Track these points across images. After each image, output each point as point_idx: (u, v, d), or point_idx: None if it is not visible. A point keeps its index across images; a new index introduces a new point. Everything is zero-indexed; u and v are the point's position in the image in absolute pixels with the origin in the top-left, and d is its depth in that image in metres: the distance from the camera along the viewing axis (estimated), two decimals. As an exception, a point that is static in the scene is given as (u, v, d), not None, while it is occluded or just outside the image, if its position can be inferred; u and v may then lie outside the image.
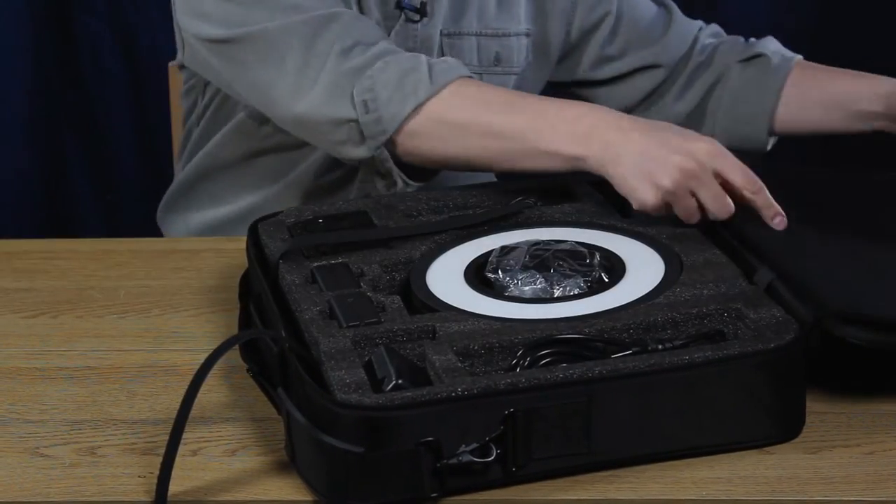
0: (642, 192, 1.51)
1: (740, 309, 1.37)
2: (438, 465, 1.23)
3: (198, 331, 1.56)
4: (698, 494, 1.24)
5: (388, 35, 1.80)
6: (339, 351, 1.32)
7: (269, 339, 1.37)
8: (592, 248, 1.49)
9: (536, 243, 1.50)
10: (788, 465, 1.28)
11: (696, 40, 1.98)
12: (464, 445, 1.24)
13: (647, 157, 1.51)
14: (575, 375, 1.26)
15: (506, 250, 1.49)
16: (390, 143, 1.67)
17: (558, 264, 1.47)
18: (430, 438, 1.22)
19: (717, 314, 1.37)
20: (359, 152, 1.69)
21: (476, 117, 1.64)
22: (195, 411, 1.36)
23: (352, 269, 1.49)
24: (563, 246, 1.49)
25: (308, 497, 1.26)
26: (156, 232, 1.97)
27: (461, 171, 1.77)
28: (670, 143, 1.51)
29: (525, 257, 1.47)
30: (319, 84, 1.67)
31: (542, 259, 1.47)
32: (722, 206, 1.50)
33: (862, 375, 1.41)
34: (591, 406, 1.26)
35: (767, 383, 1.31)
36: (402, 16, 1.82)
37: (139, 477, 1.27)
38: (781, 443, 1.32)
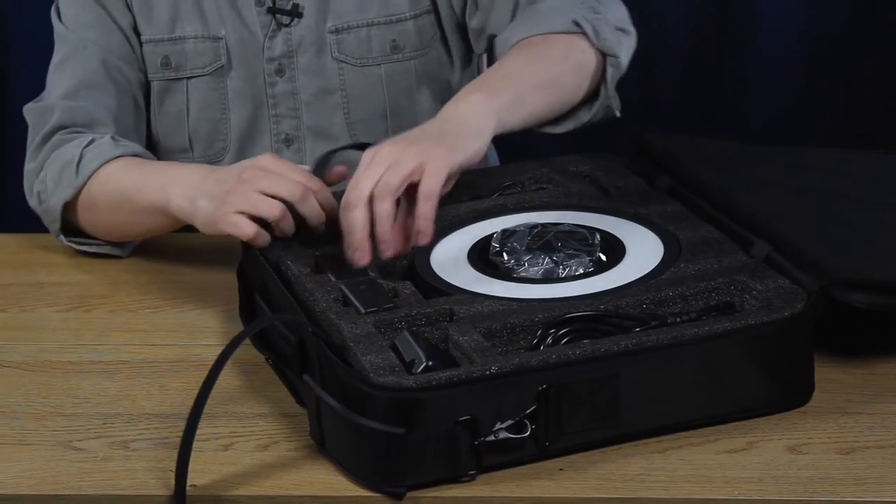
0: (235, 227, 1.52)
1: (746, 281, 1.41)
2: (476, 442, 1.26)
3: (230, 326, 1.57)
4: (730, 494, 1.26)
5: (265, 42, 1.83)
6: (364, 336, 1.34)
7: (288, 327, 1.38)
8: (592, 229, 1.52)
9: (535, 226, 1.53)
10: (821, 466, 1.29)
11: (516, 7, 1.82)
12: (499, 423, 1.26)
13: (215, 199, 1.55)
14: (603, 350, 1.29)
15: (507, 233, 1.52)
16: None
17: (561, 245, 1.50)
18: (467, 417, 1.25)
19: (724, 287, 1.41)
20: (55, 237, 1.76)
21: (110, 192, 1.68)
22: (226, 406, 1.38)
23: (355, 258, 1.50)
24: (563, 227, 1.52)
25: (339, 490, 1.28)
26: (189, 227, 1.97)
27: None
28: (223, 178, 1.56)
29: (528, 239, 1.50)
30: (25, 173, 1.78)
31: (545, 240, 1.50)
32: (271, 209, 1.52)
33: (866, 339, 1.46)
34: (618, 379, 1.29)
35: (781, 350, 1.35)
36: (273, 20, 1.83)
37: (171, 471, 1.27)
38: (794, 409, 1.36)
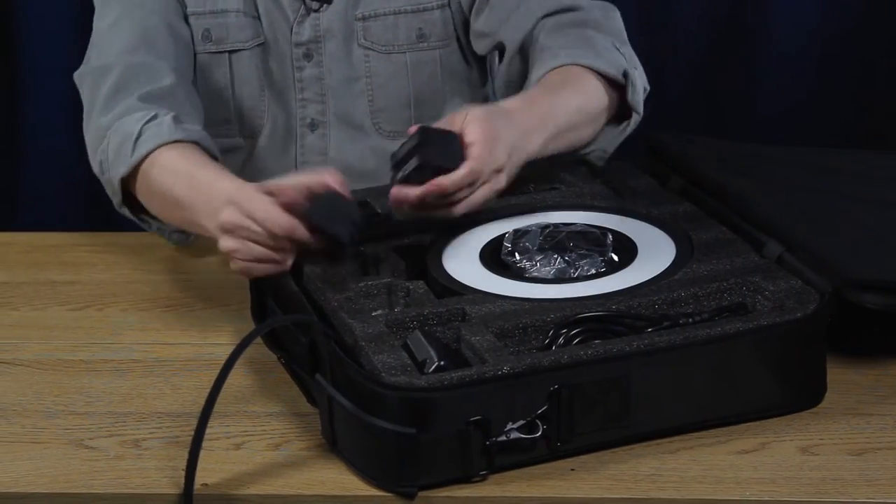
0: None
1: (758, 282, 1.41)
2: (488, 442, 1.26)
3: (242, 325, 1.56)
4: (742, 495, 1.26)
5: (293, 26, 1.83)
6: (376, 335, 1.34)
7: (299, 327, 1.38)
8: (604, 229, 1.52)
9: (547, 226, 1.53)
10: (833, 467, 1.29)
11: (540, 23, 1.81)
12: (511, 423, 1.26)
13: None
14: (615, 351, 1.29)
15: (519, 233, 1.52)
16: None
17: (573, 245, 1.50)
18: (479, 417, 1.25)
19: (736, 287, 1.41)
20: (117, 209, 1.72)
21: (163, 189, 1.62)
22: (238, 405, 1.38)
23: (367, 257, 1.51)
24: (574, 227, 1.52)
25: (351, 490, 1.28)
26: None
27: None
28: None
29: (539, 239, 1.50)
30: (87, 139, 1.73)
31: (557, 240, 1.50)
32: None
33: (878, 340, 1.46)
34: (629, 380, 1.29)
35: (793, 351, 1.35)
36: (303, 5, 1.84)
37: (182, 470, 1.27)
38: (805, 409, 1.36)
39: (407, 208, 1.52)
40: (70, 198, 2.66)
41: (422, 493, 1.26)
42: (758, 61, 2.68)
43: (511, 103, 1.62)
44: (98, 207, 2.73)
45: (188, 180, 1.58)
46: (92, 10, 1.82)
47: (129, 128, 1.67)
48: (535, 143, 1.59)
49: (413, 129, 1.52)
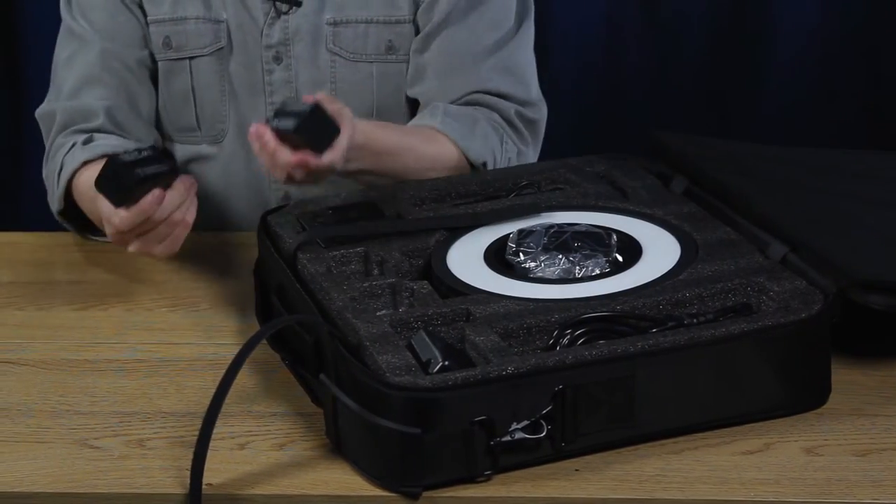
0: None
1: (763, 282, 1.41)
2: (492, 443, 1.26)
3: (247, 325, 1.57)
4: (746, 496, 1.26)
5: (264, 29, 1.83)
6: (380, 335, 1.34)
7: (304, 327, 1.38)
8: (608, 230, 1.52)
9: (552, 226, 1.53)
10: (837, 468, 1.29)
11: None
12: (515, 423, 1.26)
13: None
14: (619, 351, 1.29)
15: (523, 233, 1.52)
16: None
17: (578, 245, 1.50)
18: (483, 417, 1.25)
19: (740, 288, 1.41)
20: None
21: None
22: (242, 405, 1.39)
23: (372, 257, 1.51)
24: (579, 228, 1.52)
25: (355, 490, 1.28)
26: (204, 227, 1.96)
27: None
28: None
29: (544, 239, 1.50)
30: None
31: (561, 241, 1.50)
32: None
33: (883, 341, 1.46)
34: (634, 380, 1.29)
35: (798, 352, 1.35)
36: (273, 7, 1.84)
37: (187, 470, 1.27)
38: (810, 410, 1.36)
39: (258, 150, 1.56)
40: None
41: (426, 494, 1.26)
42: (760, 62, 2.68)
43: (378, 134, 1.70)
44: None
45: (90, 203, 1.67)
46: None
47: (56, 163, 1.78)
48: (351, 168, 1.67)
49: (311, 98, 1.56)
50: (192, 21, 1.85)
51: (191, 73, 1.86)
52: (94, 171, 1.61)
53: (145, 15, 1.86)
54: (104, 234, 1.68)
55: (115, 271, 1.72)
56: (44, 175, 1.83)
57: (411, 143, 1.77)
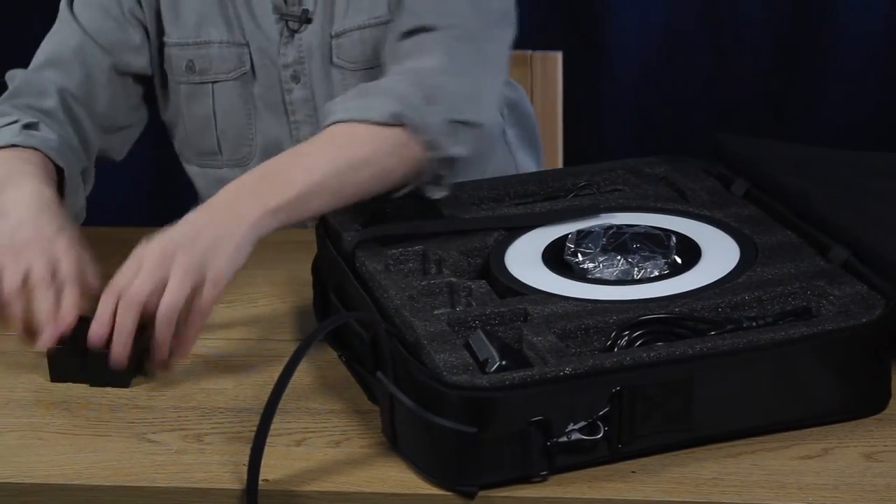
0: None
1: (823, 286, 1.40)
2: (549, 443, 1.25)
3: (304, 321, 1.58)
4: (804, 501, 1.25)
5: (280, 48, 1.82)
6: (437, 334, 1.34)
7: (362, 324, 1.39)
8: (668, 231, 1.52)
9: (611, 227, 1.53)
10: (897, 475, 1.29)
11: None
12: (572, 424, 1.26)
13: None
14: (677, 353, 1.29)
15: (582, 234, 1.52)
16: None
17: (637, 247, 1.49)
18: (540, 417, 1.25)
19: (800, 292, 1.40)
20: None
21: None
22: (299, 402, 1.39)
23: (430, 256, 1.51)
24: (638, 229, 1.52)
25: (411, 488, 1.28)
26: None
27: None
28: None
29: (603, 240, 1.50)
30: None
31: (620, 242, 1.50)
32: None
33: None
34: (692, 383, 1.29)
35: (857, 357, 1.34)
36: (285, 26, 1.83)
37: (243, 465, 1.27)
38: (869, 416, 1.35)
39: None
40: (131, 192, 2.68)
41: (482, 493, 1.26)
42: (823, 63, 2.66)
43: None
44: (160, 202, 2.76)
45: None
46: None
47: None
48: (250, 233, 1.49)
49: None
50: (216, 45, 1.84)
51: (213, 97, 1.86)
52: (13, 154, 1.63)
53: (161, 35, 1.85)
54: None
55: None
56: None
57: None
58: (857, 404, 1.35)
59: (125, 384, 1.45)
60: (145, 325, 1.43)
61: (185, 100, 1.88)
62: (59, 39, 1.84)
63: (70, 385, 1.46)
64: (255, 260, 1.70)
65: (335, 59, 1.83)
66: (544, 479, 1.27)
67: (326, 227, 1.58)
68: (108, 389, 1.44)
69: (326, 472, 1.30)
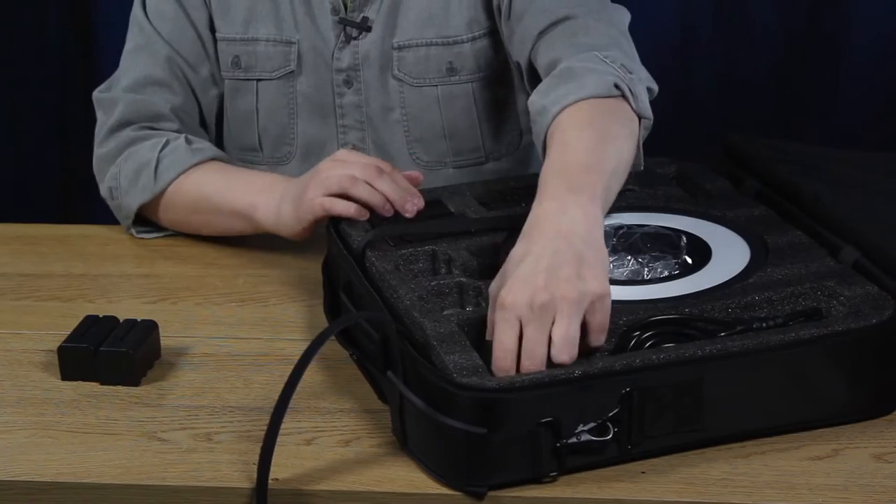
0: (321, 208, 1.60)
1: (833, 287, 1.40)
2: (558, 444, 1.25)
3: (315, 321, 1.58)
4: (814, 501, 1.25)
5: (334, 52, 1.83)
6: (447, 335, 1.34)
7: (372, 324, 1.39)
8: (678, 232, 1.52)
9: (621, 227, 1.52)
10: (907, 475, 1.28)
11: (534, 45, 1.71)
12: (582, 425, 1.26)
13: (296, 199, 1.63)
14: (687, 354, 1.28)
15: (592, 234, 1.51)
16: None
17: (647, 247, 1.49)
18: (550, 418, 1.24)
19: (811, 293, 1.40)
20: (125, 229, 1.84)
21: (197, 199, 1.76)
22: (309, 401, 1.39)
23: (439, 256, 1.51)
24: (648, 229, 1.52)
25: (420, 488, 1.28)
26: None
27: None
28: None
29: (613, 240, 1.50)
30: (94, 164, 1.86)
31: (630, 242, 1.50)
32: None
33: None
34: (702, 384, 1.28)
35: (868, 358, 1.34)
36: (343, 31, 1.83)
37: (253, 464, 1.27)
38: (880, 417, 1.35)
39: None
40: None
41: (491, 493, 1.26)
42: (835, 64, 2.66)
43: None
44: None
45: (224, 181, 1.74)
46: None
47: (144, 157, 1.79)
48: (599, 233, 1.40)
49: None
50: (263, 43, 1.85)
51: (256, 94, 1.87)
52: (205, 169, 1.74)
53: (213, 32, 1.86)
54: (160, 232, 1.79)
55: (184, 265, 1.73)
56: (98, 162, 1.84)
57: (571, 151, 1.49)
58: (867, 405, 1.35)
59: (135, 383, 1.45)
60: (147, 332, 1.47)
61: (229, 94, 1.89)
62: (146, 58, 1.85)
63: (80, 383, 1.46)
64: (266, 260, 1.72)
65: (395, 72, 1.83)
66: (554, 479, 1.27)
67: (336, 227, 1.59)
68: (119, 388, 1.45)
69: (336, 472, 1.30)
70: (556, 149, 1.48)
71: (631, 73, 1.59)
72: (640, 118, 1.56)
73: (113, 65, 1.90)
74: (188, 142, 1.79)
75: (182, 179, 1.76)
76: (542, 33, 1.69)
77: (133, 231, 1.81)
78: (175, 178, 1.76)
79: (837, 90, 2.66)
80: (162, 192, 1.76)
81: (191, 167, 1.76)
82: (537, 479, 1.26)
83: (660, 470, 1.28)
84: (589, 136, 1.49)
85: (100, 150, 1.83)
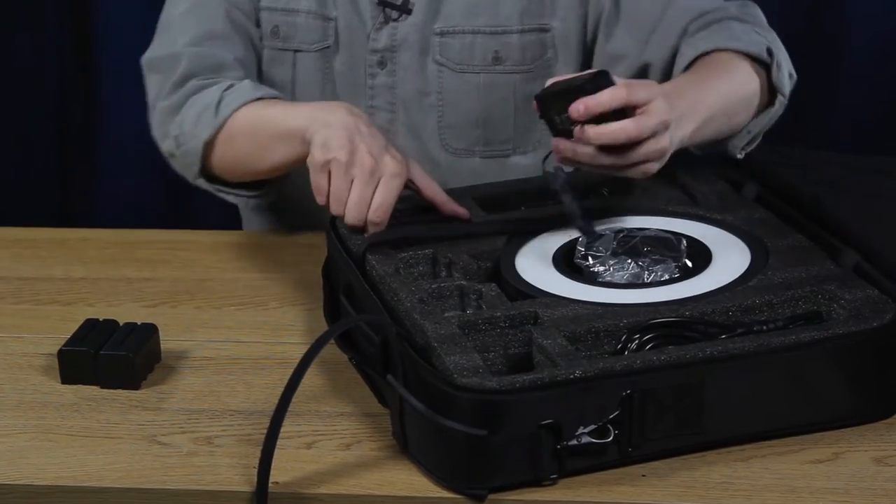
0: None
1: (834, 290, 1.40)
2: (559, 446, 1.25)
3: (315, 324, 1.58)
4: (814, 505, 1.26)
5: (371, 33, 1.83)
6: (448, 336, 1.34)
7: (372, 327, 1.39)
8: (678, 235, 1.52)
9: (621, 230, 1.53)
10: (908, 478, 1.28)
11: (684, 33, 1.78)
12: (582, 427, 1.26)
13: (342, 129, 1.57)
14: (688, 357, 1.28)
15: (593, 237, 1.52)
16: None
17: (647, 250, 1.49)
18: (551, 421, 1.24)
19: (811, 296, 1.40)
20: (192, 181, 1.78)
21: (255, 123, 1.71)
22: (310, 405, 1.39)
23: (440, 259, 1.51)
24: (649, 232, 1.52)
25: (421, 491, 1.28)
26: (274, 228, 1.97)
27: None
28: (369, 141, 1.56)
29: (613, 244, 1.50)
30: (155, 121, 1.81)
31: (631, 245, 1.50)
32: (354, 207, 1.54)
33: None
34: (702, 387, 1.28)
35: (868, 362, 1.34)
36: (382, 13, 1.83)
37: (254, 468, 1.27)
38: (880, 420, 1.35)
39: (570, 157, 1.51)
40: (146, 194, 2.69)
41: (492, 496, 1.26)
42: (835, 67, 2.65)
43: (664, 88, 1.55)
44: (173, 204, 2.76)
45: (281, 109, 1.69)
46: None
47: (208, 98, 1.74)
48: (686, 129, 1.54)
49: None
50: (304, 14, 1.85)
51: (294, 66, 1.86)
52: (261, 104, 1.69)
53: (258, 0, 1.86)
54: (230, 190, 1.75)
55: (184, 269, 1.73)
56: (160, 115, 1.80)
57: (704, 77, 1.65)
58: (867, 408, 1.35)
59: (135, 386, 1.45)
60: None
61: (266, 63, 1.88)
62: (203, 14, 1.83)
63: (80, 387, 1.46)
64: (265, 263, 1.71)
65: (437, 57, 1.83)
66: (554, 482, 1.27)
67: (336, 230, 1.59)
68: (119, 391, 1.45)
69: (336, 475, 1.30)
70: (692, 75, 1.64)
71: (780, 50, 1.72)
72: (774, 93, 1.69)
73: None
74: (254, 83, 1.76)
75: (241, 111, 1.71)
76: (689, 24, 1.76)
77: (202, 182, 1.76)
78: (236, 108, 1.71)
79: (837, 90, 2.65)
80: (222, 125, 1.71)
81: (252, 100, 1.72)
82: (538, 482, 1.26)
83: (660, 473, 1.28)
84: (718, 78, 1.64)
85: (164, 104, 1.79)
